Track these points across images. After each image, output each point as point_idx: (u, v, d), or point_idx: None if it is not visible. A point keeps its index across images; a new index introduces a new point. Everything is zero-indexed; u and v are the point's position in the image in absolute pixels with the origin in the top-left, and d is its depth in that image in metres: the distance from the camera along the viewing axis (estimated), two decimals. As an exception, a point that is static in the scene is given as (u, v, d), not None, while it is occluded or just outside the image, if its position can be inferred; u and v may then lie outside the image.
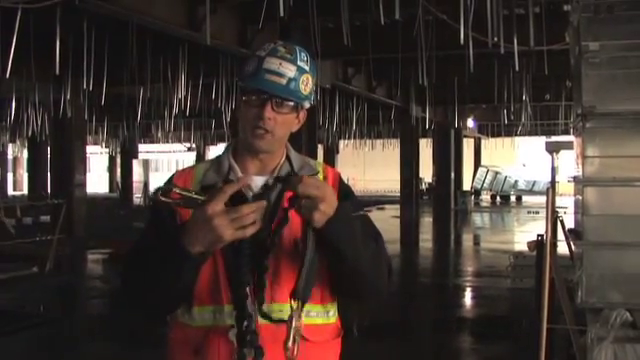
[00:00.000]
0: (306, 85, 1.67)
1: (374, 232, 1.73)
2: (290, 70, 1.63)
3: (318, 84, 11.82)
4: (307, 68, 1.67)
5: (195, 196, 1.51)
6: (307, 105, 1.72)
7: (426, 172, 26.70)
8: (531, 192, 33.65)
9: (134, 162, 35.41)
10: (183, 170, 1.82)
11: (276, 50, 1.65)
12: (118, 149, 32.35)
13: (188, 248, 1.48)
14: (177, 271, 1.52)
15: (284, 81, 1.63)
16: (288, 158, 1.75)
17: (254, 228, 1.48)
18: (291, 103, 1.66)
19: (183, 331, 1.69)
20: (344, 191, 1.75)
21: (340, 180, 1.81)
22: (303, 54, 1.68)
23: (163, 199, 1.50)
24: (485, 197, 34.78)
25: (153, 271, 1.57)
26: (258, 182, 1.69)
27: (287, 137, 1.74)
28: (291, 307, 1.55)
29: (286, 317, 1.60)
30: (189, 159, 39.48)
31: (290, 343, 1.54)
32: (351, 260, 1.60)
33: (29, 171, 25.92)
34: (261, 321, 1.62)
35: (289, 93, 1.64)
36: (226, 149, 1.78)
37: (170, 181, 1.66)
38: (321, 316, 1.70)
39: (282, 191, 1.64)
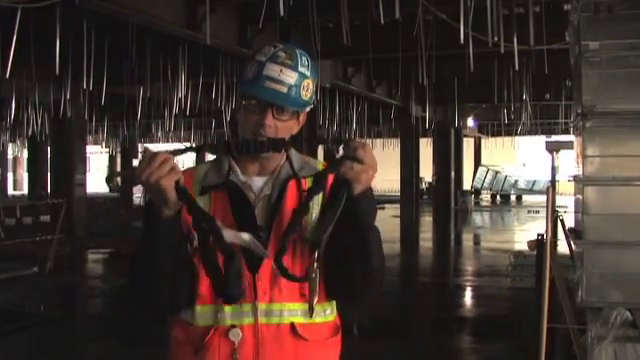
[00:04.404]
0: (307, 91, 1.66)
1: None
2: (291, 77, 1.61)
3: (318, 84, 11.82)
4: (308, 73, 1.65)
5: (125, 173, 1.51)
6: (307, 109, 1.72)
7: (426, 171, 26.69)
8: (531, 191, 33.66)
9: (134, 162, 35.41)
10: (184, 171, 1.81)
11: (277, 56, 1.62)
12: (118, 149, 32.34)
13: (157, 213, 1.52)
14: (158, 237, 1.54)
15: (285, 89, 1.61)
16: (288, 158, 1.73)
17: (176, 174, 1.48)
18: (292, 109, 1.66)
19: (184, 330, 1.69)
20: None
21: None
22: (304, 58, 1.65)
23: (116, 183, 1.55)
24: (485, 196, 34.76)
25: (143, 250, 1.58)
26: (258, 183, 1.69)
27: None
28: (312, 261, 1.54)
29: (286, 319, 1.63)
30: (189, 159, 39.50)
31: (315, 299, 1.56)
32: (366, 237, 1.61)
33: (29, 171, 25.90)
34: (262, 321, 1.63)
35: (290, 101, 1.63)
36: None
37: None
38: (319, 315, 1.70)
39: (285, 184, 1.68)
